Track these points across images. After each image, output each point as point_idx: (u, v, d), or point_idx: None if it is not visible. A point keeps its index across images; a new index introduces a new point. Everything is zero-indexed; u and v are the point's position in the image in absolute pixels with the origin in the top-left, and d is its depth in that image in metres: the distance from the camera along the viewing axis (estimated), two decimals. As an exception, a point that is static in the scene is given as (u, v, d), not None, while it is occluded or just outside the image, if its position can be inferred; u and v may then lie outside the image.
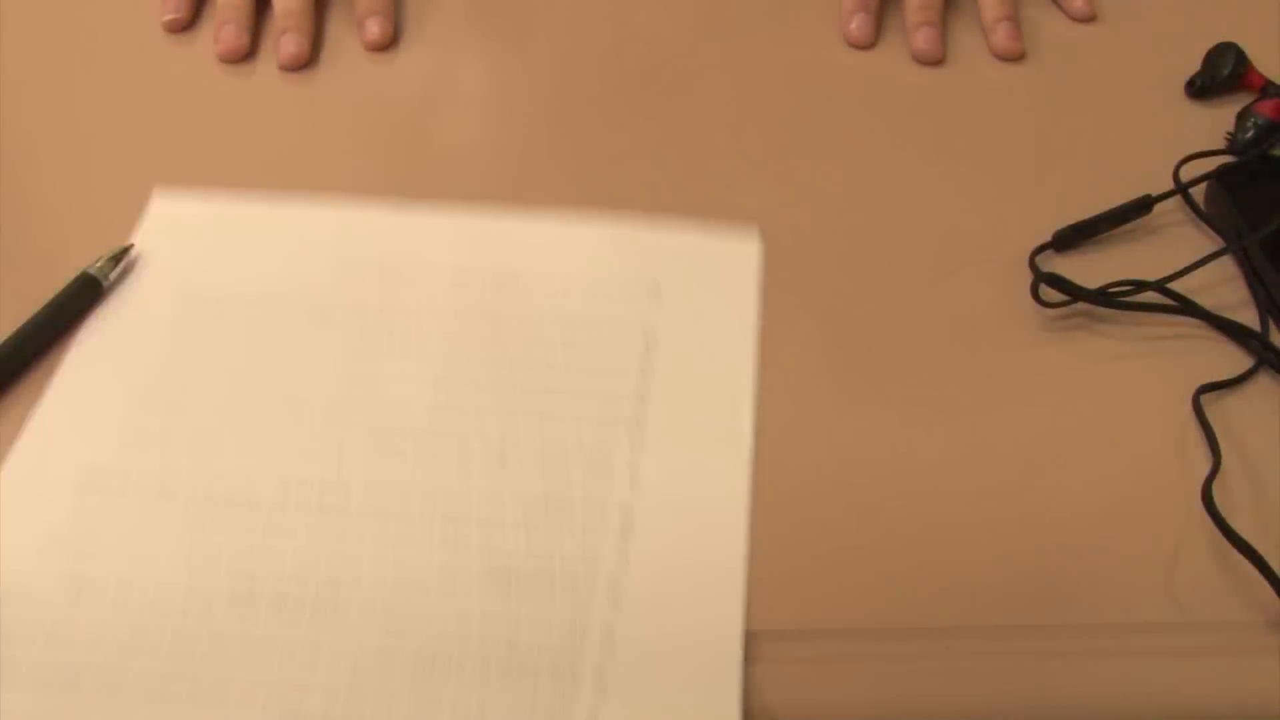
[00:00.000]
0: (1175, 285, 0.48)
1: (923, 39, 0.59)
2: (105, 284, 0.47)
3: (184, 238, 0.49)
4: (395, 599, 0.38)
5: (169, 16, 0.59)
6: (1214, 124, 0.56)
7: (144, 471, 0.42)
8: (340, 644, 0.37)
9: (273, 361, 0.45)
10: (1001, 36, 0.60)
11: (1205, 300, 0.48)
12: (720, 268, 0.49)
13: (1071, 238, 0.50)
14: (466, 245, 0.49)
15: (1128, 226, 0.51)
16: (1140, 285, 0.48)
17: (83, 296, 0.46)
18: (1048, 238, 0.50)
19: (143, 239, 0.49)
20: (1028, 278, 0.48)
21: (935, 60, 0.59)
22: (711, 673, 0.37)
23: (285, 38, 0.58)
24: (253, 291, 0.47)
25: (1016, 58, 0.60)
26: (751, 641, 0.38)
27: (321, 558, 0.39)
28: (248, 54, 0.58)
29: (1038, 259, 0.49)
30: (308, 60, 0.58)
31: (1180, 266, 0.48)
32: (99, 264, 0.47)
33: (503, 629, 0.38)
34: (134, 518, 0.40)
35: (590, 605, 0.38)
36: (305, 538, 0.40)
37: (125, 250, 0.48)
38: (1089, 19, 0.62)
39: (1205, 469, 0.42)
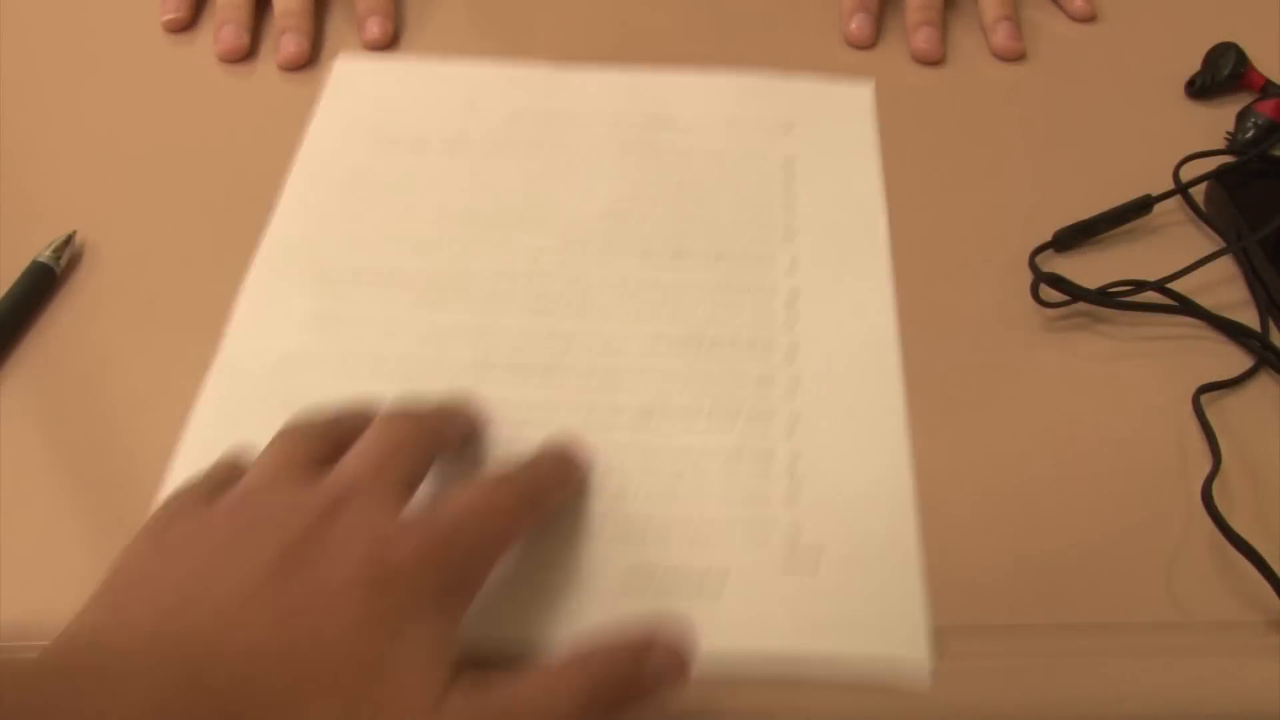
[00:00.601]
0: (1175, 285, 0.48)
1: (923, 39, 0.59)
2: (58, 270, 0.48)
3: (367, 89, 0.57)
4: (609, 364, 0.45)
5: (169, 16, 0.59)
6: (1214, 124, 0.56)
7: (374, 270, 0.48)
8: (568, 402, 0.44)
9: (465, 188, 0.52)
10: (1001, 36, 0.60)
11: (1205, 300, 0.48)
12: (841, 108, 0.57)
13: (1071, 238, 0.50)
14: (618, 95, 0.57)
15: (1128, 226, 0.51)
16: (1140, 285, 0.48)
17: (36, 288, 0.47)
18: (1048, 238, 0.50)
19: (329, 91, 0.56)
20: (1028, 278, 0.48)
21: (935, 60, 0.59)
22: (877, 396, 0.45)
23: (285, 38, 0.58)
24: (435, 133, 0.54)
25: (1016, 58, 0.60)
26: (751, 641, 0.38)
27: (540, 333, 0.46)
28: (247, 54, 0.58)
29: (1038, 259, 0.49)
30: (308, 60, 0.58)
31: (1180, 266, 0.48)
32: (48, 252, 0.48)
33: (704, 385, 0.45)
34: (371, 305, 0.47)
35: (769, 363, 0.46)
36: (523, 317, 0.47)
37: (69, 238, 0.49)
38: (1089, 19, 0.62)
39: (1205, 469, 0.42)
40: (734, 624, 0.38)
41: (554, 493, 0.40)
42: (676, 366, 0.45)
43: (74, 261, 0.49)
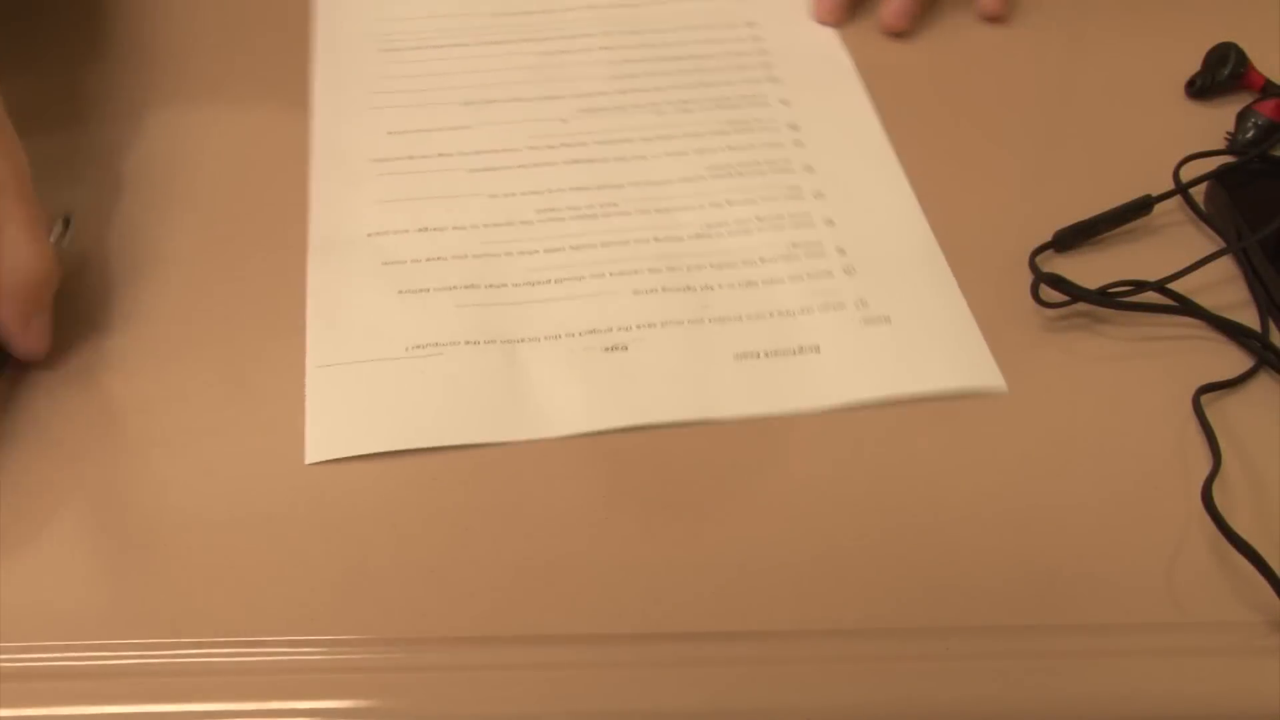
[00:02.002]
0: (1175, 285, 0.48)
1: (889, 12, 0.60)
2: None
3: (357, 9, 0.62)
4: (659, 200, 0.52)
5: None
6: (1214, 124, 0.56)
7: (423, 153, 0.54)
8: (637, 227, 0.51)
9: (476, 78, 0.58)
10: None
11: (1205, 300, 0.48)
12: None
13: (1071, 238, 0.50)
14: None
15: (1128, 226, 0.51)
16: (1140, 285, 0.48)
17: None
18: (1048, 238, 0.50)
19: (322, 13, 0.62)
20: (1028, 278, 0.48)
21: (899, 31, 0.59)
22: (887, 187, 0.53)
23: None
24: (430, 40, 0.60)
25: (998, 18, 0.60)
26: (750, 642, 0.38)
27: (591, 184, 0.52)
28: None
29: (1038, 259, 0.49)
30: None
31: (1180, 266, 0.48)
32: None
33: (745, 203, 0.52)
34: (432, 182, 0.53)
35: (793, 176, 0.53)
36: (570, 174, 0.53)
37: (67, 221, 0.49)
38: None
39: (1205, 469, 0.42)
40: (835, 383, 0.45)
41: None
42: (718, 192, 0.52)
43: (74, 261, 0.49)
